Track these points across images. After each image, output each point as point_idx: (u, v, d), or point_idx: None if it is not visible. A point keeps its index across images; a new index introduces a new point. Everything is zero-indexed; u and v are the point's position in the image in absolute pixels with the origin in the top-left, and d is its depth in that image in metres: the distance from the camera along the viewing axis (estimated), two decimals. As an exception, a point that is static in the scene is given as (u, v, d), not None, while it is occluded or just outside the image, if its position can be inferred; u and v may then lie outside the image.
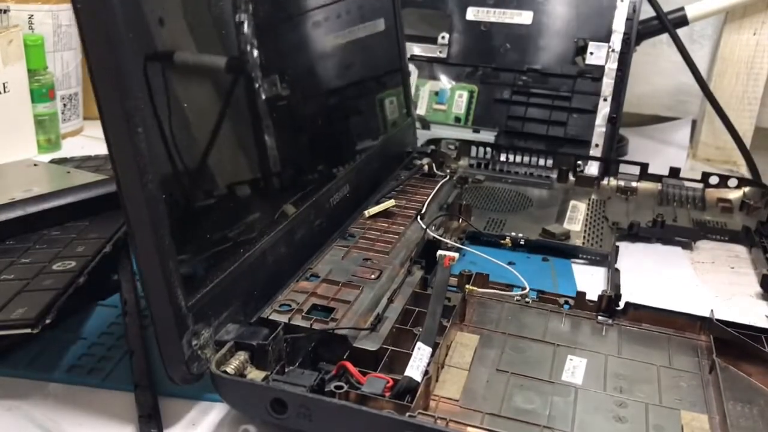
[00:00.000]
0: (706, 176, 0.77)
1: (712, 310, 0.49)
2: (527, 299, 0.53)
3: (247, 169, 0.47)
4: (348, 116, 0.66)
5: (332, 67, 0.62)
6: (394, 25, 0.76)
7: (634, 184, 0.78)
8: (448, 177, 0.72)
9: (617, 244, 0.65)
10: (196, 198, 0.41)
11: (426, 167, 0.73)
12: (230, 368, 0.39)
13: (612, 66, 0.83)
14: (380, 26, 0.73)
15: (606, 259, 0.63)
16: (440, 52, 0.88)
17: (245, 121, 0.47)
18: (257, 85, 0.48)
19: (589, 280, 0.61)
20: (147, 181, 0.35)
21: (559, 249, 0.65)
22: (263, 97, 0.48)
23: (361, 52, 0.69)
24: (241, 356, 0.40)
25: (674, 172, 0.78)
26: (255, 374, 0.39)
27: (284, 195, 0.51)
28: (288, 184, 0.52)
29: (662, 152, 0.96)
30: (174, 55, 0.39)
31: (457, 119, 0.88)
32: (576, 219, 0.70)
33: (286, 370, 0.41)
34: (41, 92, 0.83)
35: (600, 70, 0.83)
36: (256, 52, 0.47)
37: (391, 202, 0.61)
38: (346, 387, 0.39)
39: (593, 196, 0.76)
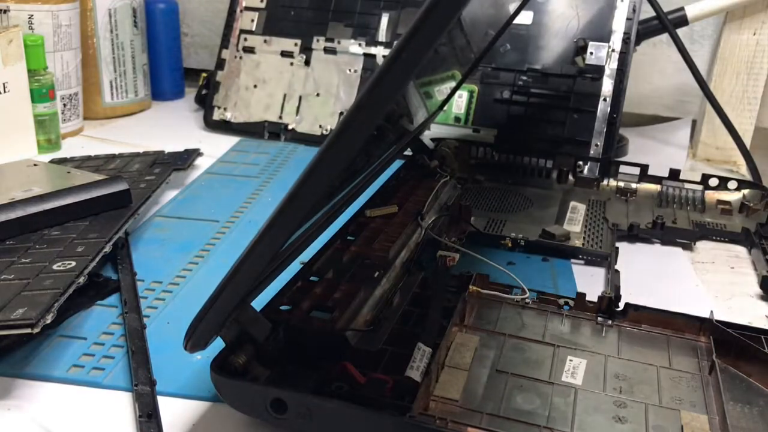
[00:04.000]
0: (705, 178, 0.77)
1: (711, 311, 0.49)
2: (527, 300, 0.53)
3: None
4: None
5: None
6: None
7: (633, 185, 0.78)
8: (448, 177, 0.72)
9: (617, 244, 0.65)
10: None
11: (432, 165, 0.73)
12: (239, 361, 0.39)
13: (612, 66, 0.83)
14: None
15: (606, 260, 0.63)
16: (440, 52, 0.88)
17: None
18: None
19: (589, 281, 0.61)
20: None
21: (559, 250, 0.65)
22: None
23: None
24: (249, 350, 0.40)
25: (674, 173, 0.78)
26: (257, 372, 0.39)
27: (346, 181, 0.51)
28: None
29: (662, 152, 0.96)
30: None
31: (457, 119, 0.88)
32: (576, 220, 0.70)
33: (287, 370, 0.41)
34: (41, 92, 0.83)
35: (600, 70, 0.83)
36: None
37: (393, 209, 0.60)
38: (346, 387, 0.39)
39: (593, 197, 0.76)
